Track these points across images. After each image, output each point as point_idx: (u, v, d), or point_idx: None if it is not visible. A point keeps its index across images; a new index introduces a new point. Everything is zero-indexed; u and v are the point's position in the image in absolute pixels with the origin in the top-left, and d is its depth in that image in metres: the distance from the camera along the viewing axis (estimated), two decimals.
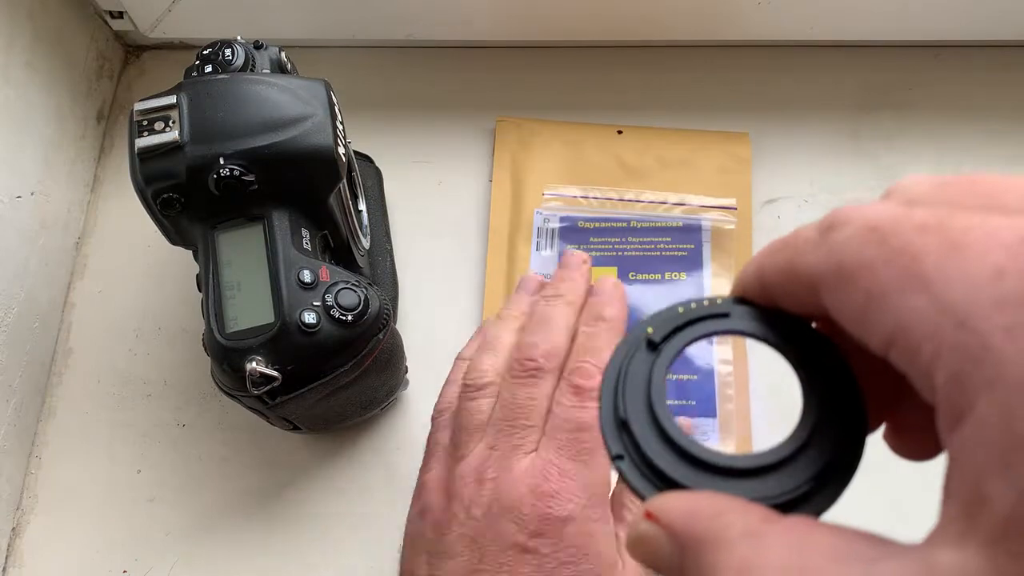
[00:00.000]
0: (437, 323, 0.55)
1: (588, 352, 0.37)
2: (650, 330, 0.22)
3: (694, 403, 0.53)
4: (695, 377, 0.53)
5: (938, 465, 0.17)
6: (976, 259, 0.15)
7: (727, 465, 0.20)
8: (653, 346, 0.22)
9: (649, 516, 0.19)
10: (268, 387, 0.40)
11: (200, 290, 0.43)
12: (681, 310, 0.22)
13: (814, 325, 0.22)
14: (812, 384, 0.21)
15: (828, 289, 0.19)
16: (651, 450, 0.20)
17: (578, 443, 0.35)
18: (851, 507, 0.22)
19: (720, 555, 0.18)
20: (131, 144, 0.41)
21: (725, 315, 0.22)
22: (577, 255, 0.42)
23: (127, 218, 0.59)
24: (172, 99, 0.42)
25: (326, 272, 0.42)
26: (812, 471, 0.20)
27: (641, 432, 0.21)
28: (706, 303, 0.22)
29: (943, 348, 0.15)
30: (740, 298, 0.22)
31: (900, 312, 0.16)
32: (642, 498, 0.20)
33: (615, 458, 0.21)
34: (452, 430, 0.39)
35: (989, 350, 0.15)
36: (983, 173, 0.18)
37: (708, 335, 0.22)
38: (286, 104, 0.42)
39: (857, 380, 0.21)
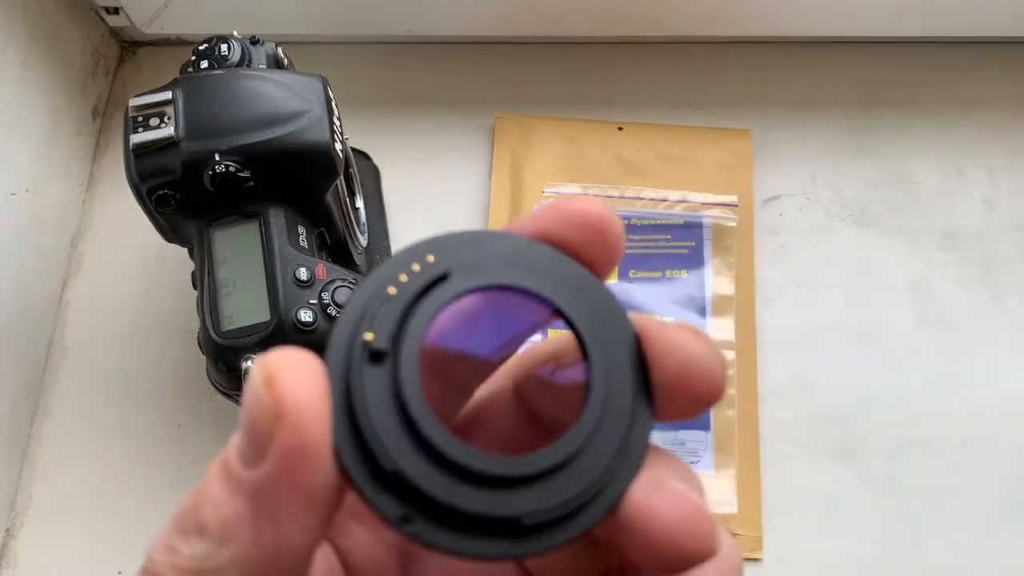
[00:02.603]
0: None
1: None
2: (369, 337, 0.16)
3: None
4: None
5: None
6: None
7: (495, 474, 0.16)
8: (380, 356, 0.16)
9: None
10: None
11: (195, 288, 0.43)
12: (392, 291, 0.17)
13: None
14: (597, 361, 0.17)
15: None
16: (447, 492, 0.16)
17: None
18: None
19: None
20: (126, 140, 0.41)
21: (444, 277, 0.17)
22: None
23: (123, 216, 0.58)
24: (168, 95, 0.41)
25: (323, 270, 0.41)
26: (582, 485, 0.16)
27: (421, 475, 0.16)
28: (416, 268, 0.17)
29: None
30: (457, 233, 0.18)
31: None
32: (453, 554, 0.16)
33: (401, 520, 0.16)
34: None
35: None
36: None
37: (448, 302, 0.17)
38: (282, 100, 0.42)
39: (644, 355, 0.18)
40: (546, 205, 0.18)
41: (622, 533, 0.17)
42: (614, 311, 0.18)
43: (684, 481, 0.17)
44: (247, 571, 0.15)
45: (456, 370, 0.20)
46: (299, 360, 0.15)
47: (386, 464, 0.16)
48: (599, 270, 0.18)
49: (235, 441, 0.16)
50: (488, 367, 0.20)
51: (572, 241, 0.18)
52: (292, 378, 0.15)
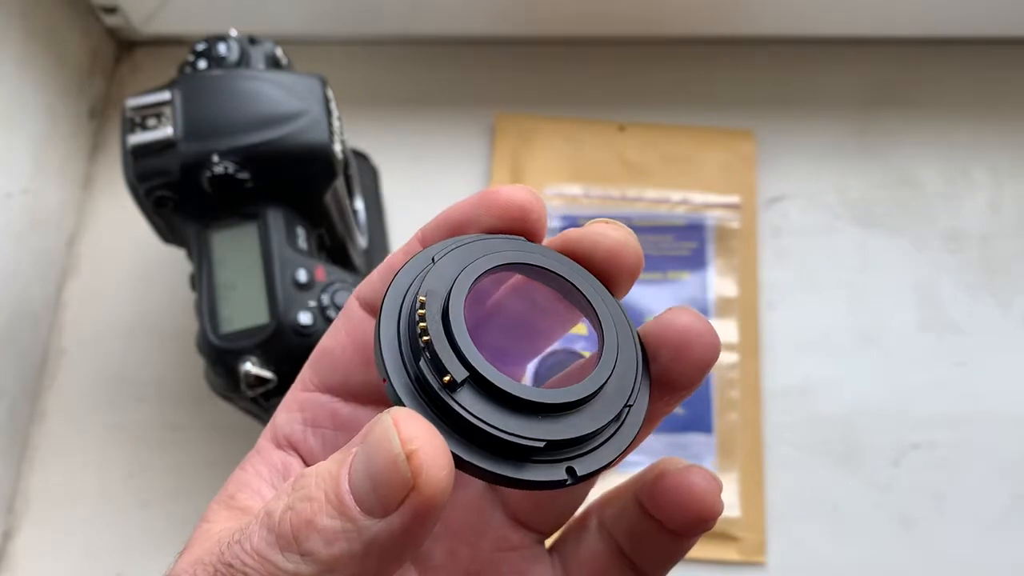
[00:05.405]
0: None
1: None
2: (447, 378, 0.19)
3: (682, 412, 0.51)
4: None
5: None
6: None
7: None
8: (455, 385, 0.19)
9: None
10: (263, 389, 0.39)
11: (193, 290, 0.43)
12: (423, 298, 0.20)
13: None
14: (606, 323, 0.21)
15: None
16: (503, 423, 0.19)
17: None
18: None
19: None
20: (124, 141, 0.41)
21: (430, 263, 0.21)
22: None
23: (120, 217, 0.58)
24: (166, 95, 0.41)
25: (322, 272, 0.41)
26: (612, 413, 0.20)
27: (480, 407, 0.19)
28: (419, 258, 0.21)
29: None
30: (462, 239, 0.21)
31: None
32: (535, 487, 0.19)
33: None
34: None
35: None
36: None
37: (486, 274, 0.20)
38: (281, 100, 0.41)
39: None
40: (474, 194, 0.21)
41: (657, 356, 0.20)
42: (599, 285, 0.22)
43: None
44: None
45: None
46: (431, 435, 0.17)
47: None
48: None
49: (349, 482, 0.18)
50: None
51: (494, 227, 0.21)
52: (429, 454, 0.17)
